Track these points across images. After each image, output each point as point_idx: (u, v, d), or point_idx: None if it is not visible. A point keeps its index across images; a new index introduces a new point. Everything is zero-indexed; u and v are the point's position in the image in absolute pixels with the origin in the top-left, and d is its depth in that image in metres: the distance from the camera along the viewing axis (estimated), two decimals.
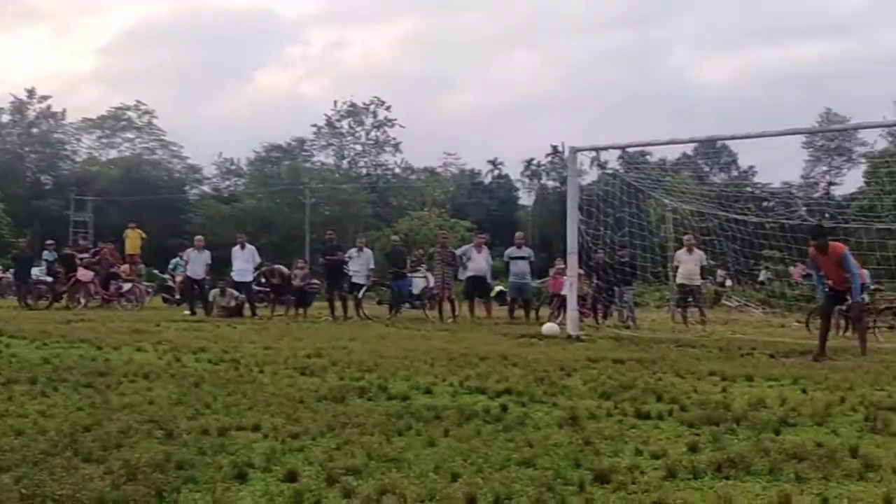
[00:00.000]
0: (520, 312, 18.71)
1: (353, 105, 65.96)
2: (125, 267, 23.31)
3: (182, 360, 9.17)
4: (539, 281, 22.35)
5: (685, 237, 17.68)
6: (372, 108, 66.11)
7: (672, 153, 62.52)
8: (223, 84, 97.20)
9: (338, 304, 18.93)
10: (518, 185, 74.37)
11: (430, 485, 4.02)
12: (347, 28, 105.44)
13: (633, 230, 17.69)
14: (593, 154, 49.21)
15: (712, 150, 59.58)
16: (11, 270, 25.62)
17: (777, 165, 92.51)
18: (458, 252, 19.21)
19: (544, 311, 18.77)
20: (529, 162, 72.76)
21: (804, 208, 38.74)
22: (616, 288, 17.64)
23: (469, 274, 18.59)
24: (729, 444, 4.99)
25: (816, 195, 57.96)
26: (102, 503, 3.65)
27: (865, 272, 15.24)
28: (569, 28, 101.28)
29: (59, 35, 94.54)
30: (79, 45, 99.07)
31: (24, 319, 15.40)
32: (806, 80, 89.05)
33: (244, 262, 19.61)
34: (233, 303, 19.19)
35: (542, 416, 5.93)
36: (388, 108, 65.87)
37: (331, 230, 23.61)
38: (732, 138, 24.14)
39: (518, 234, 20.21)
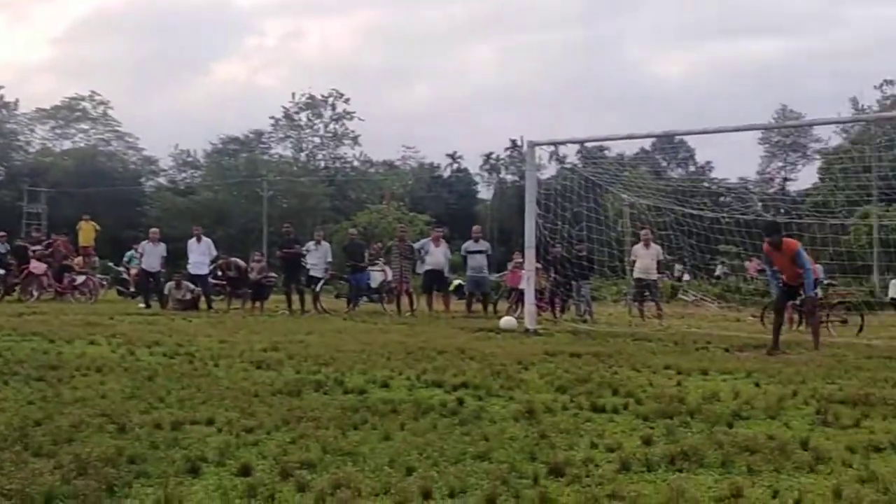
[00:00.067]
0: (478, 306, 18.75)
1: (311, 97, 65.56)
2: (79, 259, 22.95)
3: (136, 353, 9.07)
4: (497, 275, 22.44)
5: (642, 232, 17.81)
6: (331, 100, 65.76)
7: (630, 148, 62.91)
8: (180, 75, 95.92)
9: (295, 297, 18.81)
10: (477, 178, 74.42)
11: (384, 478, 4.02)
12: (305, 19, 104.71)
13: (590, 225, 17.83)
14: (552, 148, 49.57)
15: (670, 145, 60.38)
16: None
17: (734, 161, 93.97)
18: (416, 246, 19.20)
19: (502, 305, 18.84)
20: (488, 156, 72.83)
21: (760, 204, 39.27)
22: (573, 282, 17.74)
23: (427, 268, 18.59)
24: (683, 437, 5.04)
25: (772, 191, 58.84)
26: (52, 498, 3.60)
27: (819, 267, 15.50)
28: (528, 22, 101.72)
29: (15, 23, 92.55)
30: (34, 34, 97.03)
31: None
32: (763, 77, 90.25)
33: (200, 255, 19.44)
34: (188, 296, 18.98)
35: (499, 410, 5.94)
36: (346, 101, 65.60)
37: (288, 223, 23.44)
38: (689, 133, 24.39)
39: (475, 227, 20.22)
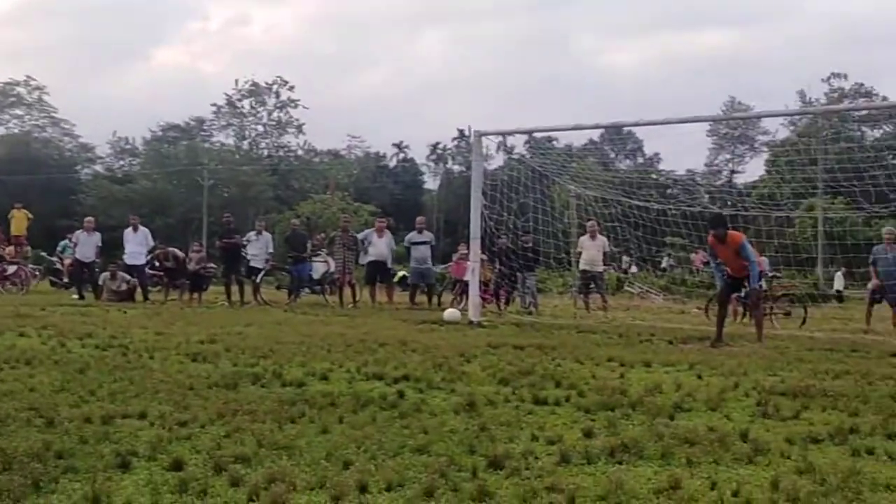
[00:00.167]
0: (422, 298, 18.67)
1: (254, 84, 64.97)
2: (10, 249, 22.27)
3: (67, 345, 8.84)
4: (442, 266, 22.36)
5: (588, 223, 17.86)
6: (275, 88, 65.27)
7: (579, 139, 63.39)
8: (118, 60, 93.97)
9: (234, 288, 18.55)
10: (423, 169, 74.44)
11: (320, 472, 3.96)
12: (249, 4, 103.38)
13: (537, 216, 17.81)
14: (500, 139, 49.79)
15: (618, 136, 60.87)
16: None
17: (682, 153, 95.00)
18: (359, 237, 19.03)
19: (447, 297, 18.78)
20: (435, 146, 72.93)
21: (706, 196, 39.89)
22: (519, 274, 17.72)
23: (370, 259, 18.45)
24: (623, 430, 5.04)
25: (719, 183, 59.94)
26: None
27: (764, 259, 15.75)
28: (479, 10, 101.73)
29: None
30: None
31: None
32: (711, 68, 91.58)
33: (136, 245, 19.07)
34: (124, 287, 18.57)
35: (440, 403, 5.89)
36: (291, 89, 65.18)
37: (228, 213, 23.12)
38: (636, 125, 24.59)
39: (419, 218, 20.10)
